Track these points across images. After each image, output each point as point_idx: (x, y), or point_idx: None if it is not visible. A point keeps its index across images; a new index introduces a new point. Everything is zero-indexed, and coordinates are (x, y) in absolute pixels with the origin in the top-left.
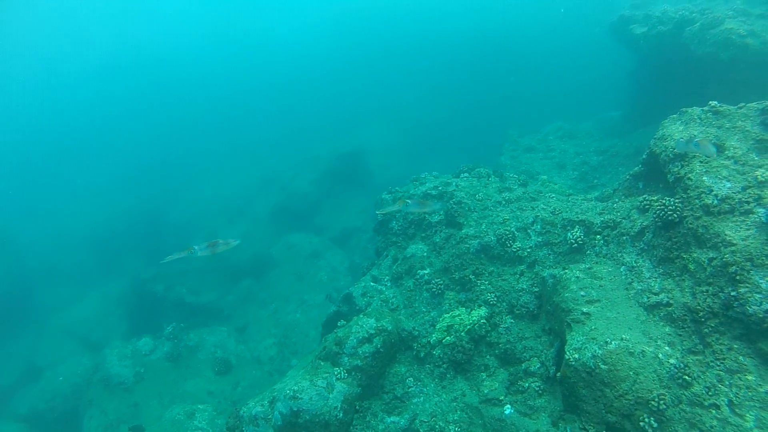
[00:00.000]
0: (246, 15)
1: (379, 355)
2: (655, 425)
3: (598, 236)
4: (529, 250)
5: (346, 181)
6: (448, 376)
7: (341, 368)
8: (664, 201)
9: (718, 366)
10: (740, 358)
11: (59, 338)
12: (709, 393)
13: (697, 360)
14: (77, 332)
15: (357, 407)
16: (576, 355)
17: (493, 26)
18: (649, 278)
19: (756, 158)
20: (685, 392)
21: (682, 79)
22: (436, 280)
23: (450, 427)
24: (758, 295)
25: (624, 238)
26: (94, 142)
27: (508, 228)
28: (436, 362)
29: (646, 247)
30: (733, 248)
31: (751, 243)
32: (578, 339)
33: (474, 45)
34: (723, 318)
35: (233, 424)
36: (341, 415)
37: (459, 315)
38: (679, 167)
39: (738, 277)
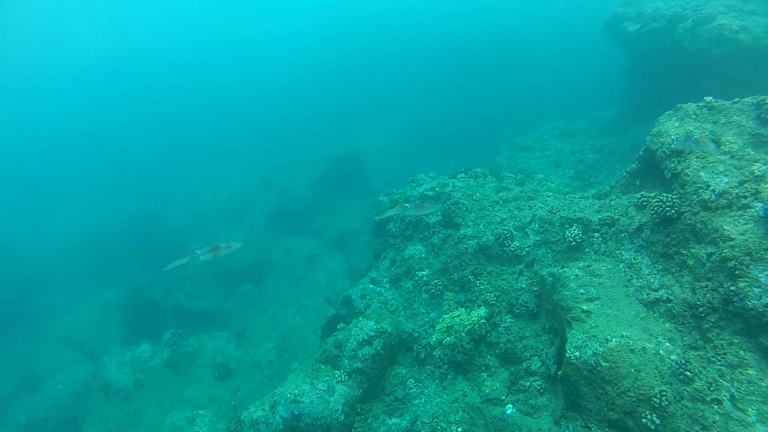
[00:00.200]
0: (242, 18)
1: (380, 357)
2: (658, 422)
3: (597, 234)
4: (527, 249)
5: (343, 184)
6: (449, 376)
7: (342, 371)
8: (661, 197)
9: (719, 361)
10: (741, 352)
11: (57, 346)
12: (711, 388)
13: (698, 355)
14: (75, 340)
15: (358, 410)
16: (577, 353)
17: (488, 27)
18: (648, 275)
19: (752, 153)
20: (686, 388)
21: (676, 76)
22: (435, 281)
23: (452, 428)
24: (758, 289)
25: (622, 235)
26: (92, 147)
27: (506, 227)
28: (436, 363)
29: (644, 244)
30: (731, 243)
31: (750, 237)
32: (579, 337)
33: (469, 46)
34: (723, 313)
35: (234, 428)
36: (342, 417)
37: (459, 315)
38: (676, 163)
39: (737, 272)
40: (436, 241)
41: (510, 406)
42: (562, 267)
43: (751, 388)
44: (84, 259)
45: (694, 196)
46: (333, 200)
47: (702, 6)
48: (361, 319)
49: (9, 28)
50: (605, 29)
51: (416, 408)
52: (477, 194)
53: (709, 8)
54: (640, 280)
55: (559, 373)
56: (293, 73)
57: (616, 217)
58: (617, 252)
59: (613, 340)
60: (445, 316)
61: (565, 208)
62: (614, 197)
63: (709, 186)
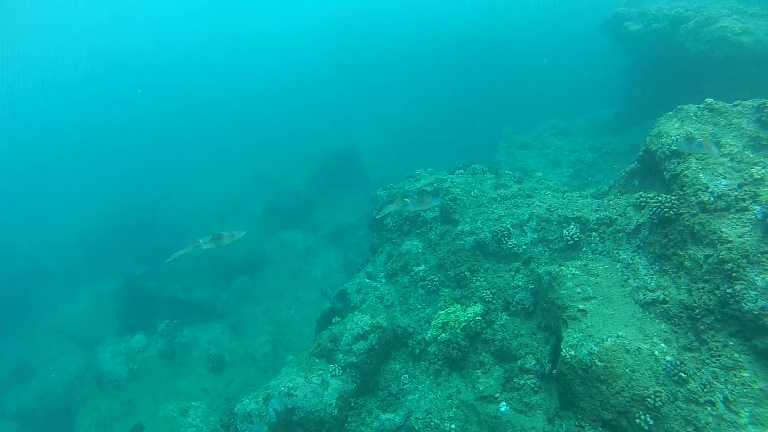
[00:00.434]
0: (240, 16)
1: (374, 351)
2: (651, 422)
3: (594, 233)
4: (524, 246)
5: (340, 179)
6: (444, 373)
7: (336, 365)
8: (660, 198)
9: (714, 363)
10: (735, 355)
11: (51, 337)
12: (705, 390)
13: (692, 357)
14: (69, 330)
15: (352, 404)
16: (572, 352)
17: (487, 24)
18: (645, 275)
19: (752, 156)
20: (680, 389)
21: (677, 77)
22: (431, 277)
23: (445, 424)
24: (754, 293)
25: (620, 235)
26: (87, 142)
27: (504, 225)
28: (431, 359)
29: (642, 244)
30: (729, 245)
31: (747, 240)
32: (574, 336)
33: (468, 43)
34: (719, 315)
35: (227, 421)
36: (336, 412)
37: (454, 312)
38: (676, 164)
39: (734, 275)
40: (433, 236)
41: (504, 403)
42: (559, 265)
43: (745, 390)
44: (79, 252)
45: (693, 198)
46: (330, 195)
47: (705, 8)
48: (356, 313)
49: (7, 27)
50: (606, 28)
51: (410, 403)
52: (475, 191)
53: (712, 10)
54: (637, 280)
55: (554, 371)
56: (291, 71)
57: (614, 216)
58: (615, 252)
59: (609, 339)
60: (440, 312)
61: (563, 206)
62: (612, 197)
63: (708, 188)
